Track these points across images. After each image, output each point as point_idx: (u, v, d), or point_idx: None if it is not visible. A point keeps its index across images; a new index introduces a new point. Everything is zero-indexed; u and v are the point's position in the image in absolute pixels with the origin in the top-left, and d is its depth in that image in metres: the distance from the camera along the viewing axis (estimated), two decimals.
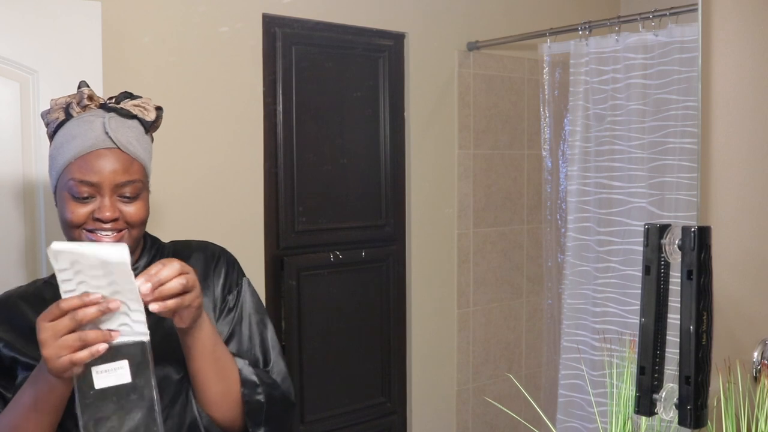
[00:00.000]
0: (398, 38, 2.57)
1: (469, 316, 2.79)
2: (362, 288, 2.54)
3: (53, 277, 1.34)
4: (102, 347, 1.08)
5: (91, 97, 1.30)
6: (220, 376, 1.28)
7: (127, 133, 1.29)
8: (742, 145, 1.54)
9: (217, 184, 2.16)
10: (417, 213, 2.64)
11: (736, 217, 1.55)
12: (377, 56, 2.53)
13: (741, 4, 1.55)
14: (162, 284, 1.11)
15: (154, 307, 1.11)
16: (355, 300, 2.52)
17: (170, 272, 1.12)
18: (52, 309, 1.08)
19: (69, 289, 1.09)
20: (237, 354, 1.37)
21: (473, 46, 2.70)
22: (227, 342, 1.38)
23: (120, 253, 1.08)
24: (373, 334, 2.57)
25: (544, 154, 2.50)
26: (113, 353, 1.10)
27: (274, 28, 2.27)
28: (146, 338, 1.12)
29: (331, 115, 2.45)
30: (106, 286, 1.09)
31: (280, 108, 2.30)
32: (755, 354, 1.45)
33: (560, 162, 2.44)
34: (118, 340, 1.11)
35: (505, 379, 2.85)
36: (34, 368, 1.21)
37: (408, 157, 2.61)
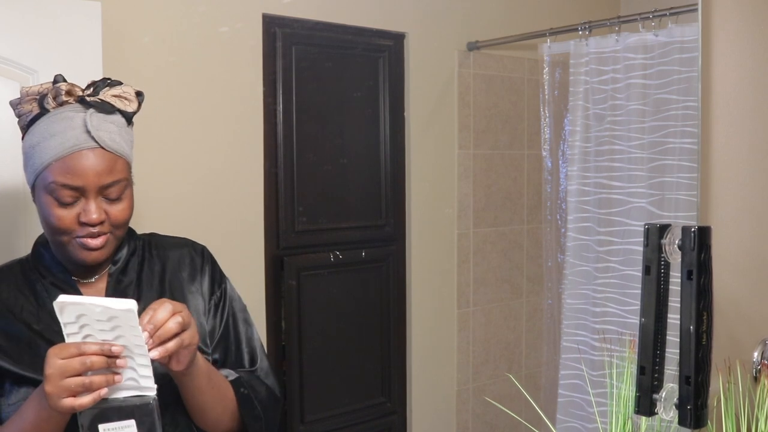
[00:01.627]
0: (398, 38, 2.57)
1: (469, 316, 2.79)
2: (362, 288, 2.54)
3: (31, 253, 1.32)
4: (103, 392, 1.07)
5: (69, 92, 1.22)
6: (217, 400, 1.28)
7: (110, 129, 1.22)
8: (742, 145, 1.54)
9: (217, 184, 2.16)
10: (417, 213, 2.64)
11: (736, 217, 1.55)
12: (377, 56, 2.53)
13: (741, 4, 1.55)
14: (158, 328, 1.09)
15: (154, 354, 1.09)
16: (355, 300, 2.52)
17: (165, 314, 1.10)
18: (69, 347, 1.06)
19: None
20: (225, 358, 1.37)
21: (473, 46, 2.70)
22: (217, 341, 1.37)
23: (127, 306, 1.06)
24: (373, 334, 2.57)
25: (544, 154, 2.50)
26: (120, 412, 1.10)
27: (274, 28, 2.27)
28: (153, 392, 1.11)
29: (331, 115, 2.45)
30: (112, 340, 1.08)
31: (280, 108, 2.30)
32: (755, 354, 1.45)
33: (560, 162, 2.44)
34: (125, 394, 1.10)
35: (505, 379, 2.85)
36: (16, 373, 1.19)
37: (408, 157, 2.61)
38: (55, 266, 1.28)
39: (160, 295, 1.33)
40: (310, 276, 2.39)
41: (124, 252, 1.33)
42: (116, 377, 1.08)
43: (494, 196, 2.83)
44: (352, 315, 2.51)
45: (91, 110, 1.22)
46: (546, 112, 2.49)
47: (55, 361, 1.05)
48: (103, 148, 1.21)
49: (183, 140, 2.09)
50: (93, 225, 1.21)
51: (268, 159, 2.28)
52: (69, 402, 1.05)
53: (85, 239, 1.21)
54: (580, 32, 2.32)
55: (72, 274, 1.29)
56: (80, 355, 1.05)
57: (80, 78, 1.63)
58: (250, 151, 2.24)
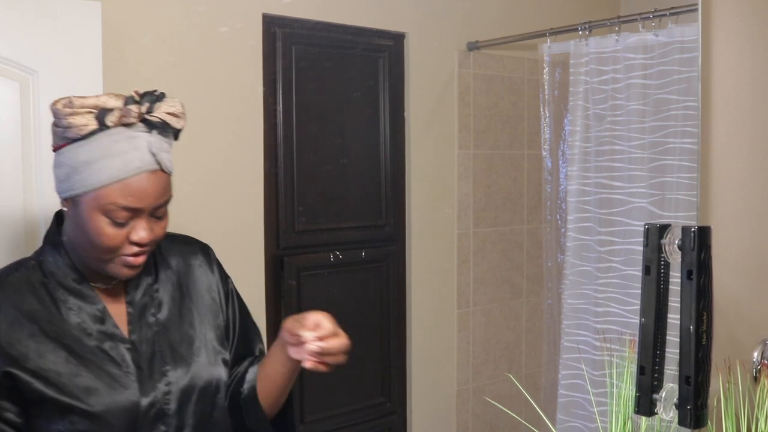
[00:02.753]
0: (398, 38, 2.57)
1: (469, 316, 2.78)
2: (362, 288, 2.54)
3: (40, 254, 1.29)
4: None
5: (138, 115, 1.20)
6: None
7: (167, 150, 1.22)
8: (742, 145, 1.54)
9: (217, 184, 2.16)
10: (417, 213, 2.64)
11: (736, 217, 1.55)
12: (377, 56, 2.53)
13: (741, 4, 1.55)
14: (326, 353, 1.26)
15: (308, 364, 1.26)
16: (355, 300, 2.52)
17: (341, 346, 1.31)
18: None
19: None
20: (245, 352, 1.43)
21: (473, 46, 2.70)
22: (238, 336, 1.42)
23: None
24: (373, 334, 2.57)
25: (544, 154, 2.50)
26: None
27: (274, 28, 2.27)
28: None
29: (331, 115, 2.45)
30: None
31: (280, 108, 2.30)
32: (755, 354, 1.45)
33: (560, 162, 2.44)
34: None
35: (505, 379, 2.85)
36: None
37: (408, 157, 2.61)
38: (71, 272, 1.25)
39: (179, 295, 1.35)
40: (310, 276, 2.39)
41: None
42: None
43: (494, 196, 2.83)
44: (352, 315, 2.51)
45: (154, 132, 1.21)
46: (546, 112, 2.49)
47: None
48: (162, 170, 1.21)
49: (183, 140, 2.08)
50: (143, 245, 1.21)
51: (268, 159, 2.28)
52: None
53: (129, 258, 1.21)
54: (580, 32, 2.32)
55: (89, 279, 1.27)
56: None
57: (80, 78, 1.64)
58: (250, 151, 2.24)
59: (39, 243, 1.69)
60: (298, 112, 2.34)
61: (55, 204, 1.68)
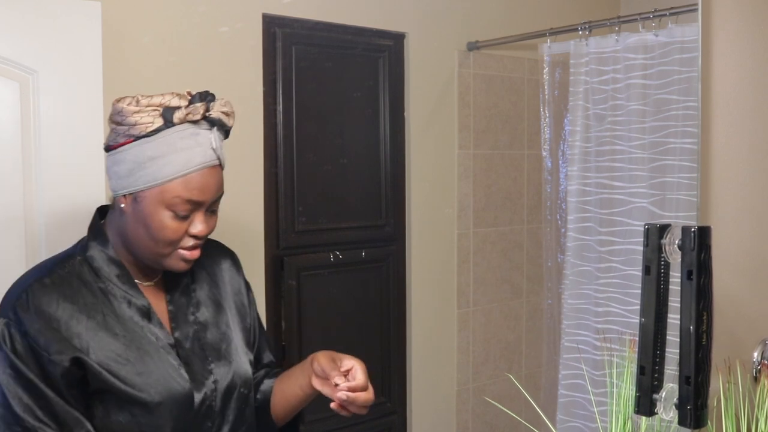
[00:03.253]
0: (398, 38, 2.57)
1: (469, 316, 2.78)
2: (362, 288, 2.54)
3: (85, 248, 1.30)
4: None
5: (203, 113, 1.26)
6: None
7: (223, 147, 1.29)
8: (742, 145, 1.54)
9: None
10: (417, 213, 2.64)
11: (736, 217, 1.55)
12: (377, 56, 2.53)
13: (741, 4, 1.55)
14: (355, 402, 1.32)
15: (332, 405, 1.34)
16: (355, 300, 2.52)
17: (366, 401, 1.38)
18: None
19: None
20: (259, 356, 1.47)
21: (473, 46, 2.70)
22: (254, 339, 1.46)
23: None
24: (373, 334, 2.57)
25: (544, 154, 2.50)
26: None
27: (274, 28, 2.27)
28: None
29: (331, 115, 2.45)
30: None
31: (280, 108, 2.30)
32: (755, 354, 1.45)
33: (560, 162, 2.44)
34: None
35: (505, 379, 2.85)
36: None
37: (408, 157, 2.61)
38: (115, 268, 1.29)
39: (213, 295, 1.39)
40: (310, 276, 2.39)
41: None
42: None
43: (494, 196, 2.83)
44: (352, 315, 2.51)
45: (215, 129, 1.27)
46: (546, 112, 2.49)
47: None
48: (221, 166, 1.28)
49: None
50: (200, 237, 1.26)
51: (268, 159, 2.28)
52: None
53: (186, 251, 1.26)
54: (580, 32, 2.32)
55: (133, 277, 1.31)
56: None
57: (80, 78, 1.63)
58: (250, 151, 2.24)
59: (39, 243, 1.70)
60: (298, 112, 2.34)
61: (54, 204, 1.68)
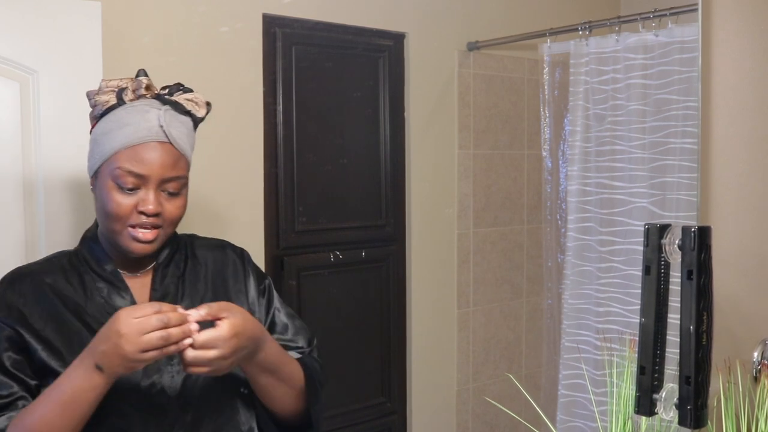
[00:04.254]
0: (398, 38, 2.57)
1: (469, 316, 2.78)
2: (362, 288, 2.54)
3: (80, 244, 1.36)
4: (188, 341, 1.13)
5: (148, 87, 1.30)
6: (282, 381, 1.33)
7: (180, 129, 1.30)
8: (742, 145, 1.54)
9: (217, 184, 2.16)
10: (417, 213, 2.64)
11: (736, 217, 1.55)
12: (377, 56, 2.53)
13: (741, 4, 1.55)
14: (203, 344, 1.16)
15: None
16: (355, 300, 2.52)
17: (195, 358, 1.17)
18: (145, 307, 1.12)
19: None
20: (292, 343, 1.45)
21: (473, 46, 2.70)
22: (280, 331, 1.45)
23: None
24: (373, 334, 2.57)
25: (544, 154, 2.50)
26: None
27: (274, 28, 2.27)
28: None
29: (331, 115, 2.45)
30: None
31: (280, 108, 2.30)
32: (755, 354, 1.45)
33: (560, 162, 2.44)
34: None
35: (505, 379, 2.85)
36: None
37: (408, 157, 2.61)
38: (103, 259, 1.33)
39: (204, 292, 1.38)
40: (310, 276, 2.39)
41: (168, 249, 1.37)
42: (192, 329, 1.14)
43: (494, 196, 2.83)
44: (352, 315, 2.51)
45: (167, 107, 1.29)
46: (546, 112, 2.49)
47: (130, 320, 1.10)
48: (171, 143, 1.28)
49: None
50: (148, 215, 1.26)
51: (268, 159, 2.28)
52: (154, 353, 1.10)
53: (137, 230, 1.26)
54: (580, 32, 2.32)
55: (119, 268, 1.33)
56: (158, 312, 1.11)
57: (81, 78, 1.64)
58: (250, 151, 2.24)
59: (39, 243, 1.70)
60: (298, 112, 2.34)
61: (54, 203, 1.68)
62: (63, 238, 1.67)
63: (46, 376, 1.24)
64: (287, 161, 2.32)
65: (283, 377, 1.33)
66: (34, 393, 1.23)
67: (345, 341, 2.49)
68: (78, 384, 1.15)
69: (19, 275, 1.31)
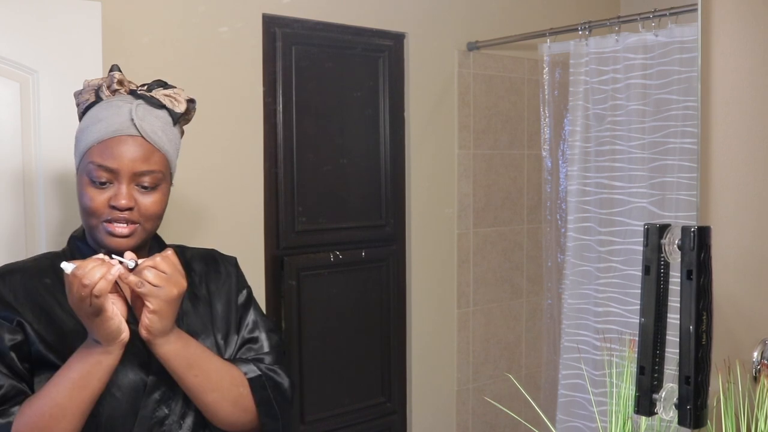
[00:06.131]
0: (398, 38, 2.57)
1: (469, 316, 2.78)
2: (362, 288, 2.54)
3: (67, 248, 1.37)
4: (129, 258, 1.18)
5: (121, 82, 1.30)
6: (213, 387, 1.28)
7: (153, 123, 1.29)
8: (742, 145, 1.54)
9: (217, 184, 2.16)
10: (417, 213, 2.64)
11: (736, 217, 1.55)
12: (377, 56, 2.53)
13: (741, 4, 1.55)
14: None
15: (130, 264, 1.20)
16: (355, 300, 2.52)
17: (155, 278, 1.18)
18: (84, 262, 1.14)
19: None
20: (256, 355, 1.41)
21: (473, 46, 2.70)
22: (246, 340, 1.42)
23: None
24: (373, 334, 2.57)
25: (544, 154, 2.50)
26: None
27: (274, 28, 2.27)
28: None
29: (331, 115, 2.45)
30: None
31: (280, 108, 2.30)
32: (755, 354, 1.45)
33: (560, 162, 2.44)
34: None
35: (505, 379, 2.85)
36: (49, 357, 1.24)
37: (408, 157, 2.61)
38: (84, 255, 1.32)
39: (191, 293, 1.39)
40: (310, 276, 2.39)
41: (156, 250, 1.35)
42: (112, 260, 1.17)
43: (494, 196, 2.83)
44: (352, 315, 2.51)
45: (139, 101, 1.29)
46: (546, 112, 2.49)
47: (74, 279, 1.13)
48: (143, 137, 1.27)
49: (183, 140, 2.09)
50: (121, 209, 1.25)
51: (268, 159, 2.28)
52: (102, 286, 1.12)
53: (112, 225, 1.26)
54: (580, 32, 2.32)
55: None
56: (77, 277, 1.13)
57: (81, 78, 1.64)
58: (250, 151, 2.24)
59: (39, 243, 1.70)
60: (298, 112, 2.34)
61: (55, 204, 1.68)
62: (63, 238, 1.67)
63: (45, 368, 1.24)
64: (287, 161, 2.32)
65: (211, 381, 1.28)
66: (30, 384, 1.24)
67: (345, 341, 2.49)
68: (85, 364, 1.17)
69: (8, 271, 1.31)
